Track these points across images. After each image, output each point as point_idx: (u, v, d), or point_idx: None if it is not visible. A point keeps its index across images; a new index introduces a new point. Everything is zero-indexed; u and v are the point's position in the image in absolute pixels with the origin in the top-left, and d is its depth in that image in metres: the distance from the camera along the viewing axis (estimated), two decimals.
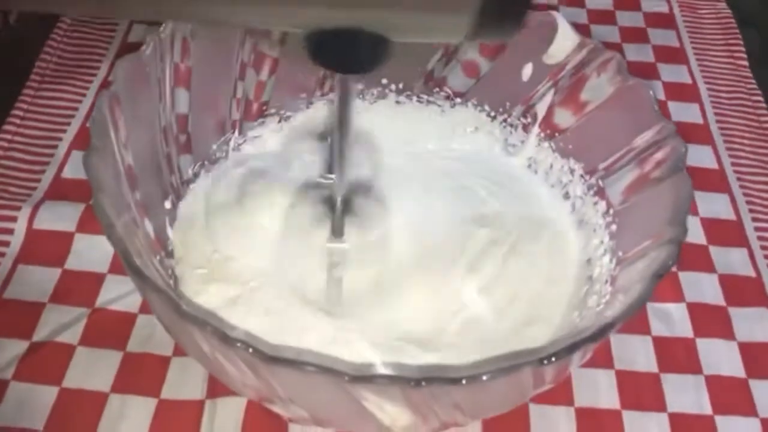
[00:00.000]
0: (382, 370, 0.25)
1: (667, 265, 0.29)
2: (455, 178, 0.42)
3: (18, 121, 0.48)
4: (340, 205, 0.34)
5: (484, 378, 0.25)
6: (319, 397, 0.28)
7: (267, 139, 0.43)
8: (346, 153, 0.31)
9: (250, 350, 0.25)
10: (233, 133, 0.42)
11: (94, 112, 0.32)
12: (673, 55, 0.59)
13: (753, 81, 0.56)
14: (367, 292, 0.36)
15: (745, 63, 0.58)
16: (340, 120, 0.30)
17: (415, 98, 0.46)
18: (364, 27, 0.23)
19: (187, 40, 0.38)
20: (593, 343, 0.27)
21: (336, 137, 0.31)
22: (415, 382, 0.24)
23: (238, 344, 0.26)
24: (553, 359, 0.26)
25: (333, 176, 0.34)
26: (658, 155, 0.34)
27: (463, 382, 0.24)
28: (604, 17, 0.61)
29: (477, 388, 0.26)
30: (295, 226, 0.38)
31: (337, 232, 0.36)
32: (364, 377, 0.24)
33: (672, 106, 0.54)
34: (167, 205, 0.38)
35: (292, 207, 0.38)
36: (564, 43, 0.40)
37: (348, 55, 0.25)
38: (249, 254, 0.37)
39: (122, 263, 0.29)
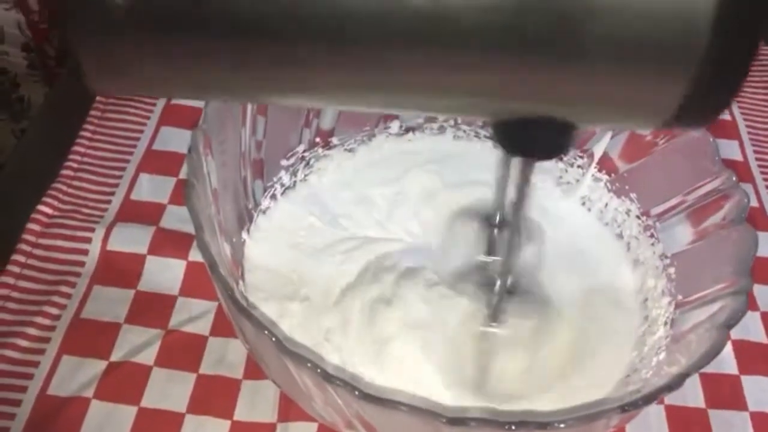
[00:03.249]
0: (476, 414, 0.27)
1: (738, 316, 0.30)
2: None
3: (86, 143, 0.49)
4: (501, 289, 0.34)
5: (564, 425, 0.27)
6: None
7: (330, 172, 0.45)
8: (518, 237, 0.31)
9: (356, 392, 0.26)
10: (301, 163, 0.44)
11: (190, 151, 0.34)
12: None
13: None
14: (513, 382, 0.36)
15: None
16: (518, 204, 0.30)
17: (472, 133, 0.47)
18: (559, 118, 0.23)
19: None
20: (669, 392, 0.29)
21: (513, 222, 0.31)
22: (508, 426, 0.26)
23: (338, 382, 0.27)
24: (631, 408, 0.28)
25: (492, 259, 0.34)
26: (721, 205, 0.36)
27: (559, 425, 0.26)
28: None
29: (560, 430, 0.27)
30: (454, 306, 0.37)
31: (495, 317, 0.35)
32: (461, 419, 0.26)
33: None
34: (244, 235, 0.40)
35: (450, 285, 0.38)
36: None
37: (536, 142, 0.25)
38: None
39: (221, 297, 0.31)
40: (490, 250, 0.36)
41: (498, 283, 0.33)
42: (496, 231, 0.34)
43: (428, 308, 0.37)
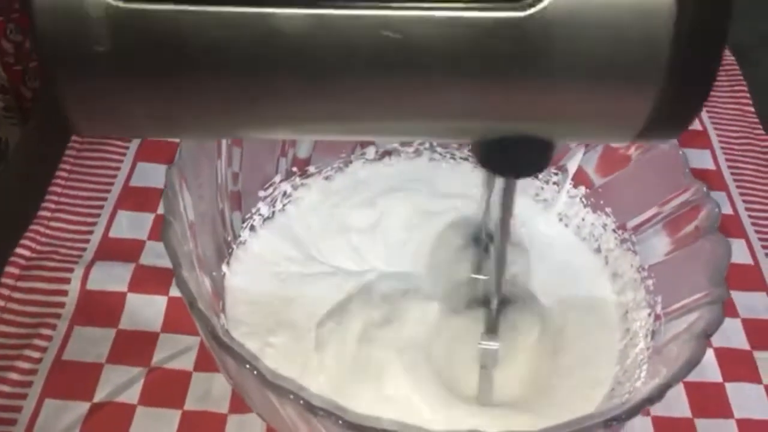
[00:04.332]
0: None
1: (715, 325, 0.31)
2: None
3: (63, 182, 0.49)
4: (495, 305, 0.34)
5: None
6: None
7: (308, 201, 0.45)
8: (506, 254, 0.32)
9: (340, 422, 0.26)
10: (278, 193, 0.44)
11: (166, 188, 0.34)
12: None
13: (760, 126, 0.59)
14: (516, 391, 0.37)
15: (751, 109, 0.61)
16: (503, 221, 0.31)
17: (448, 155, 0.48)
18: (535, 135, 0.24)
19: None
20: (651, 404, 0.29)
21: (498, 238, 0.32)
22: None
23: (321, 413, 0.27)
24: (615, 423, 0.28)
25: (483, 276, 0.35)
26: (693, 216, 0.37)
27: None
28: None
29: None
30: (448, 324, 0.38)
31: (490, 331, 0.35)
32: None
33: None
34: (224, 267, 0.40)
35: (444, 304, 0.38)
36: None
37: (516, 161, 0.26)
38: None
39: (202, 334, 0.31)
40: (479, 268, 0.36)
41: (494, 300, 0.34)
42: (483, 248, 0.36)
43: (423, 329, 0.37)
